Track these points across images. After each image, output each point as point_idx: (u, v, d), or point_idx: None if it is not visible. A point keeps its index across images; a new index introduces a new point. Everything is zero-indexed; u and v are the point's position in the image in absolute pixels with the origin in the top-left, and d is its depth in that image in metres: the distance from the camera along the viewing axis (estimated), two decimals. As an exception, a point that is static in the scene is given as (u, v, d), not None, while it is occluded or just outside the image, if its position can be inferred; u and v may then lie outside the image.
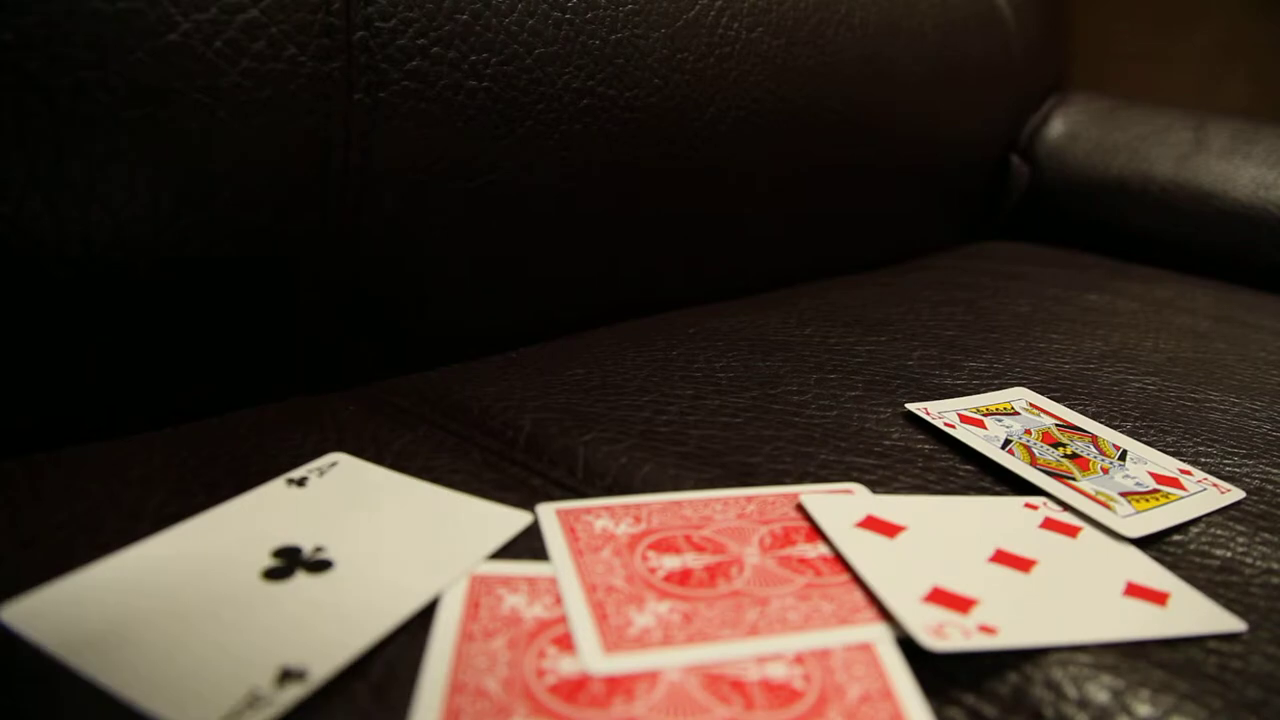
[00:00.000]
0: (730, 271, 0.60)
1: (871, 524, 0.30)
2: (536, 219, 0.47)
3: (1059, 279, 0.65)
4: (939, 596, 0.26)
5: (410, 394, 0.40)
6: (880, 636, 0.25)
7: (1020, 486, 0.34)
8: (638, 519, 0.30)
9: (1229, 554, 0.31)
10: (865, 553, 0.28)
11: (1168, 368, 0.47)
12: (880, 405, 0.40)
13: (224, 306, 0.38)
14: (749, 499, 0.31)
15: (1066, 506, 0.32)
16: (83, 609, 0.24)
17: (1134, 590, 0.28)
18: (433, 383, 0.41)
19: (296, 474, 0.31)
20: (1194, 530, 0.32)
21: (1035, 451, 0.36)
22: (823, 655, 0.24)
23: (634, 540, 0.28)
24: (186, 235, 0.36)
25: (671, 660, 0.23)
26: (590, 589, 0.26)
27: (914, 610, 0.25)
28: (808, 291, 0.60)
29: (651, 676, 0.23)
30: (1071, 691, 0.24)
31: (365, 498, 0.30)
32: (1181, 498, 0.34)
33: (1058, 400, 0.42)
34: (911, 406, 0.39)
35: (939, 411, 0.39)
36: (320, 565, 0.26)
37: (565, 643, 0.24)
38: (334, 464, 0.32)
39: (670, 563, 0.27)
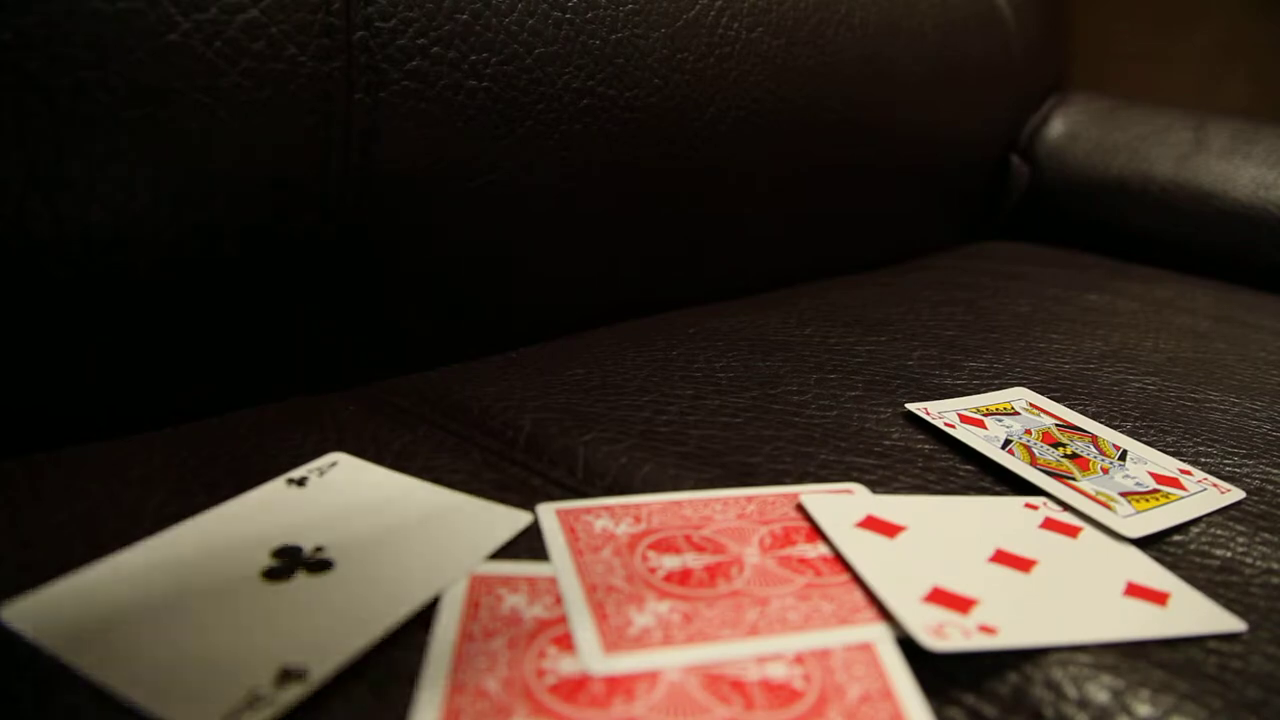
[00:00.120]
0: (730, 271, 0.60)
1: (871, 524, 0.30)
2: (536, 219, 0.47)
3: (1059, 279, 0.65)
4: (939, 596, 0.26)
5: (410, 394, 0.40)
6: (880, 636, 0.25)
7: (1020, 486, 0.34)
8: (638, 519, 0.30)
9: (1229, 554, 0.31)
10: (865, 553, 0.28)
11: (1168, 368, 0.47)
12: (880, 405, 0.40)
13: (224, 306, 0.38)
14: (749, 499, 0.31)
15: (1066, 506, 0.32)
16: (83, 609, 0.24)
17: (1134, 590, 0.28)
18: (433, 383, 0.41)
19: (296, 474, 0.31)
20: (1194, 530, 0.32)
21: (1035, 451, 0.36)
22: (823, 655, 0.24)
23: (634, 540, 0.28)
24: (186, 235, 0.36)
25: (671, 660, 0.23)
26: (590, 589, 0.26)
27: (914, 610, 0.25)
28: (808, 291, 0.60)
29: (651, 676, 0.23)
30: (1071, 691, 0.24)
31: (365, 498, 0.30)
32: (1182, 498, 0.34)
33: (1058, 400, 0.42)
34: (911, 406, 0.39)
35: (939, 411, 0.39)
36: (320, 565, 0.26)
37: (565, 643, 0.24)
38: (334, 464, 0.32)
39: (670, 563, 0.27)
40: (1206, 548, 0.31)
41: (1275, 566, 0.30)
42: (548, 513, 0.30)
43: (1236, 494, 0.34)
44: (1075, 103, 0.87)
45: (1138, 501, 0.33)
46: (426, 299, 0.45)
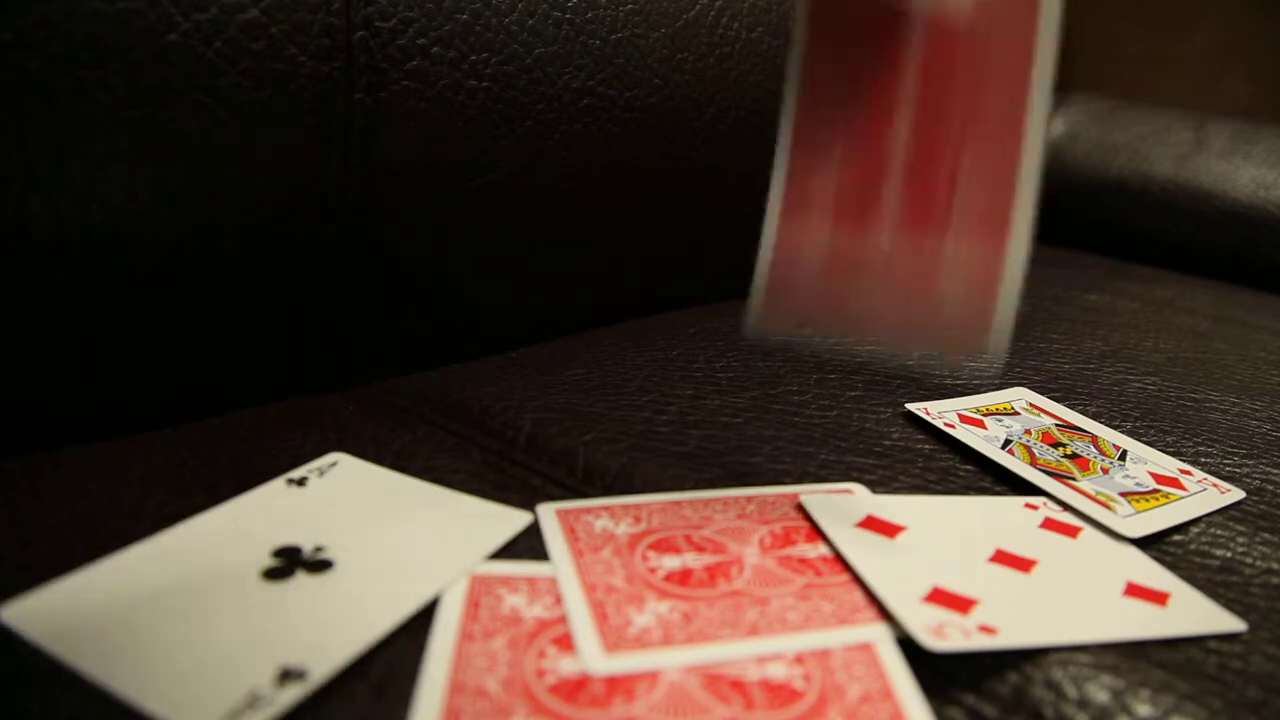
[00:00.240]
0: (730, 271, 0.60)
1: (871, 524, 0.30)
2: (536, 219, 0.47)
3: (1059, 279, 0.65)
4: (939, 596, 0.26)
5: (410, 394, 0.40)
6: (880, 636, 0.25)
7: (1020, 487, 0.34)
8: (638, 519, 0.30)
9: (1229, 554, 0.31)
10: (865, 553, 0.28)
11: (1168, 368, 0.47)
12: (880, 405, 0.40)
13: (224, 306, 0.38)
14: (749, 499, 0.31)
15: (1066, 507, 0.32)
16: (83, 609, 0.24)
17: (1134, 590, 0.28)
18: (433, 383, 0.41)
19: (296, 474, 0.31)
20: (1194, 530, 0.32)
21: (1035, 451, 0.36)
22: (823, 655, 0.24)
23: (634, 540, 0.28)
24: (186, 235, 0.36)
25: (671, 660, 0.23)
26: (590, 588, 0.26)
27: (914, 610, 0.25)
28: (808, 291, 0.60)
29: (651, 676, 0.23)
30: (1071, 691, 0.24)
31: (365, 498, 0.30)
32: (1182, 498, 0.34)
33: (1058, 400, 0.42)
34: (911, 406, 0.39)
35: (939, 411, 0.39)
36: (320, 565, 0.26)
37: (565, 643, 0.24)
38: (334, 464, 0.32)
39: (670, 563, 0.27)
40: (1206, 548, 0.31)
41: (1275, 566, 0.30)
42: (548, 513, 0.30)
43: (1236, 494, 0.34)
44: (1075, 103, 0.87)
45: (1138, 501, 0.33)
46: (426, 299, 0.45)
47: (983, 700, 0.23)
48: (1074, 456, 0.36)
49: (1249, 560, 0.30)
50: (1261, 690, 0.24)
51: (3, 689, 0.22)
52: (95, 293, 0.35)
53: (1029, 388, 0.43)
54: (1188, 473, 0.36)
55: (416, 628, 0.24)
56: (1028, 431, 0.38)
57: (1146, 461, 0.36)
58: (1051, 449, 0.36)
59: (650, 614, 0.25)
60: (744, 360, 0.44)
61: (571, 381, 0.41)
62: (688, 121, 0.51)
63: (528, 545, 0.28)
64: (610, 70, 0.47)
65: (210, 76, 0.34)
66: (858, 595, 0.26)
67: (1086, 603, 0.27)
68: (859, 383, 0.42)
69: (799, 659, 0.24)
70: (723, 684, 0.23)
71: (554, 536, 0.28)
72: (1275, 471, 0.37)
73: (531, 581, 0.26)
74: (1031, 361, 0.47)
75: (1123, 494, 0.33)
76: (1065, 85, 0.92)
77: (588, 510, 0.30)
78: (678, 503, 0.31)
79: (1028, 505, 0.32)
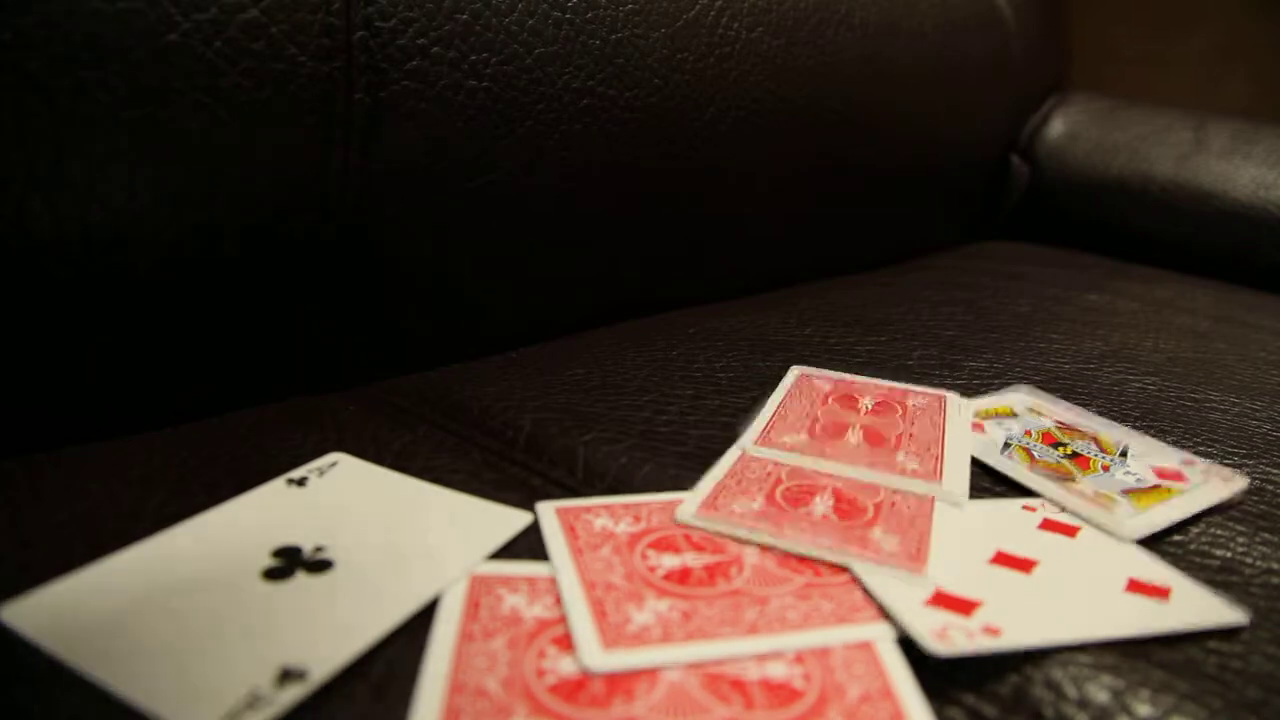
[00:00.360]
0: (730, 271, 0.60)
1: (871, 524, 0.30)
2: (536, 219, 0.47)
3: (1059, 279, 0.65)
4: (941, 600, 0.26)
5: (410, 394, 0.40)
6: (880, 635, 0.25)
7: (1020, 487, 0.34)
8: (637, 518, 0.30)
9: (1229, 554, 0.31)
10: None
11: (1168, 368, 0.47)
12: (880, 405, 0.40)
13: (224, 307, 0.38)
14: (749, 499, 0.31)
15: (1065, 511, 0.32)
16: (83, 609, 0.24)
17: (1135, 586, 0.28)
18: (433, 383, 0.41)
19: (296, 474, 0.31)
20: (1194, 530, 0.32)
21: (1035, 454, 0.36)
22: (823, 654, 0.24)
23: (633, 539, 0.28)
24: (186, 235, 0.36)
25: (670, 657, 0.23)
26: (589, 586, 0.26)
27: (918, 615, 0.25)
28: (808, 291, 0.60)
29: (651, 676, 0.23)
30: (1071, 691, 0.24)
31: (365, 498, 0.30)
32: (1184, 491, 0.33)
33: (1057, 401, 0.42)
34: (911, 406, 0.39)
35: (939, 411, 0.39)
36: (320, 565, 0.26)
37: (565, 643, 0.24)
38: (334, 464, 0.32)
39: (669, 561, 0.27)
40: (1206, 548, 0.31)
41: (1275, 566, 0.30)
42: (547, 511, 0.30)
43: (1241, 481, 0.34)
44: (1075, 103, 0.87)
45: (1139, 499, 0.33)
46: (426, 299, 0.45)
47: (983, 700, 0.23)
48: (1074, 456, 0.36)
49: (1249, 560, 0.30)
50: (1261, 690, 0.24)
51: (3, 689, 0.22)
52: (95, 293, 0.35)
53: (1029, 388, 0.43)
54: (1191, 463, 0.35)
55: (416, 628, 0.24)
56: (1027, 433, 0.38)
57: (1148, 455, 0.36)
58: (1051, 449, 0.36)
59: (649, 612, 0.25)
60: (744, 360, 0.44)
61: (571, 381, 0.41)
62: (688, 121, 0.51)
63: (528, 545, 0.28)
64: (610, 70, 0.47)
65: (210, 76, 0.34)
66: (857, 594, 0.26)
67: (1088, 600, 0.27)
68: (859, 383, 0.42)
69: (799, 658, 0.24)
70: (723, 684, 0.23)
71: (553, 534, 0.28)
72: (1275, 471, 0.37)
73: (531, 581, 0.26)
74: (1031, 361, 0.46)
75: (1124, 491, 0.33)
76: (1065, 87, 0.92)
77: (587, 509, 0.30)
78: (677, 502, 0.31)
79: (1025, 508, 0.32)
